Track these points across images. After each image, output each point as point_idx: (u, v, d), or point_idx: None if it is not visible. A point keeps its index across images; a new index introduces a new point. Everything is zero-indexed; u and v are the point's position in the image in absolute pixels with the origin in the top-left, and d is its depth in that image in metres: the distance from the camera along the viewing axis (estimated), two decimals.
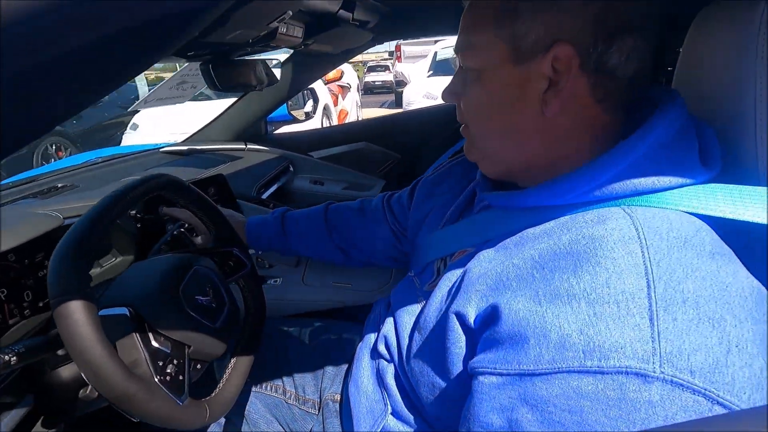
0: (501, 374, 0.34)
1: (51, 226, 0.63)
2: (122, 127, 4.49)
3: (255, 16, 0.49)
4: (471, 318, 0.39)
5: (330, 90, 5.16)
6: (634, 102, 0.43)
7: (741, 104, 0.42)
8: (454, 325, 0.41)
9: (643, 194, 0.38)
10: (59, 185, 1.14)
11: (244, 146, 1.58)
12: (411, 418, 0.49)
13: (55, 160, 4.46)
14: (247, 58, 0.83)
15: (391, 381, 0.53)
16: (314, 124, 4.05)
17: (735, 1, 0.44)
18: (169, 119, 3.56)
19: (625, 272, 0.32)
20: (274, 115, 1.75)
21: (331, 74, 5.37)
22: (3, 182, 1.38)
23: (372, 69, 14.66)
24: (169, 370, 0.52)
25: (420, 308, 0.53)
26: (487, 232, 0.48)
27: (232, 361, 0.66)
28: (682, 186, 0.38)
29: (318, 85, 4.62)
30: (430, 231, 0.63)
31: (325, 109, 4.57)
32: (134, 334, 0.51)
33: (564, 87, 0.39)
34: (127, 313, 0.53)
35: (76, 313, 0.43)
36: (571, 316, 0.32)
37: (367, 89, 14.00)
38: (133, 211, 0.82)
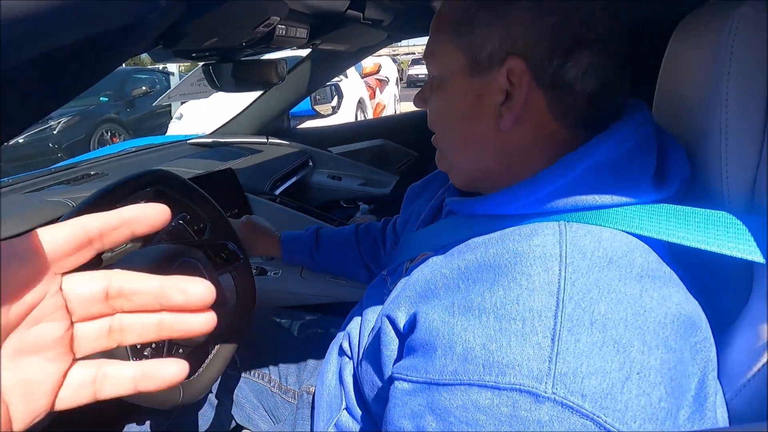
0: (412, 381, 0.35)
1: (57, 214, 0.70)
2: (170, 115, 4.74)
3: (231, 23, 0.52)
4: (401, 323, 0.40)
5: (367, 83, 5.19)
6: (602, 117, 0.42)
7: (709, 121, 0.40)
8: (387, 328, 0.42)
9: (582, 210, 0.37)
10: (92, 173, 1.24)
11: (265, 140, 1.64)
12: (360, 414, 0.51)
13: (109, 145, 4.79)
14: (251, 58, 0.86)
15: (348, 378, 0.55)
16: (348, 117, 4.10)
17: (712, 12, 0.42)
18: (210, 109, 3.72)
19: (538, 290, 0.32)
20: (298, 110, 1.80)
21: (369, 68, 5.40)
22: (53, 167, 1.52)
23: (417, 62, 14.56)
24: (146, 353, 0.56)
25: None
26: (444, 237, 0.49)
27: (214, 349, 0.70)
28: (624, 205, 0.37)
29: (354, 79, 4.66)
30: (408, 233, 0.64)
31: (360, 102, 4.60)
32: None
33: (517, 101, 0.39)
34: None
35: None
36: (477, 330, 0.32)
37: (411, 82, 13.93)
38: (143, 200, 0.88)
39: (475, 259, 0.37)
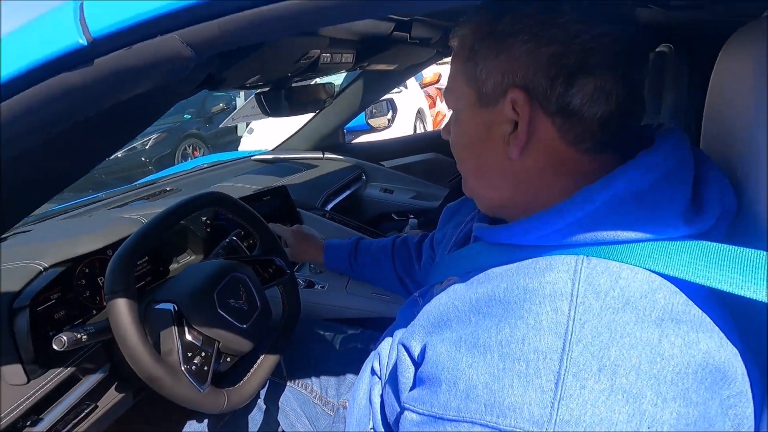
0: (419, 413, 0.35)
1: (130, 232, 0.79)
2: (237, 132, 5.12)
3: (270, 62, 0.56)
4: (415, 352, 0.41)
5: (427, 93, 5.20)
6: (623, 142, 0.40)
7: (759, 148, 0.36)
8: (403, 355, 0.43)
9: (604, 245, 0.35)
10: (168, 188, 1.38)
11: (321, 155, 1.71)
12: None
13: (190, 159, 5.27)
14: (299, 84, 0.91)
15: (376, 399, 0.56)
16: (406, 128, 4.14)
17: (762, 27, 0.38)
18: (276, 123, 3.95)
19: (545, 330, 0.31)
20: (353, 125, 1.86)
21: (429, 77, 5.41)
22: (140, 181, 1.72)
23: None
24: (196, 361, 0.62)
25: None
26: (469, 263, 0.49)
27: (260, 358, 0.74)
28: (649, 240, 0.34)
29: (414, 89, 4.70)
30: (442, 255, 0.65)
31: (419, 113, 4.62)
32: (173, 327, 0.62)
33: (521, 130, 0.39)
34: (172, 309, 0.64)
35: (119, 308, 0.54)
36: (482, 367, 0.32)
37: None
38: (204, 218, 0.97)
39: (487, 293, 0.37)
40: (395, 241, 0.91)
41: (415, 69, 1.42)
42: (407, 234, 1.02)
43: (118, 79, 0.30)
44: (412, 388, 0.41)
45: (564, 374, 0.29)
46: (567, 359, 0.30)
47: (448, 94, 0.47)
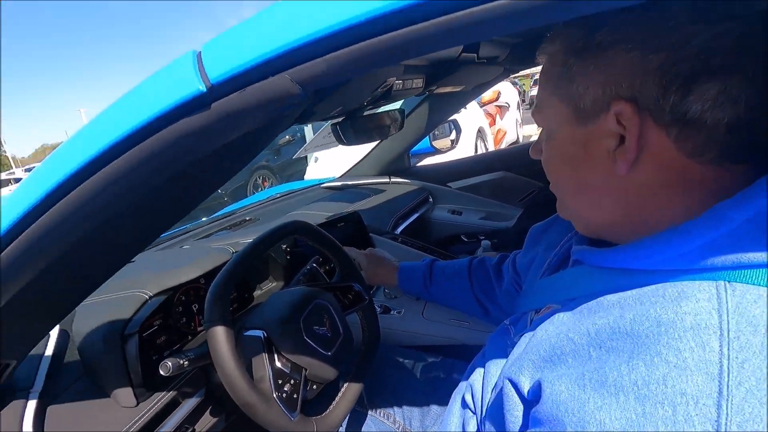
0: None
1: (220, 261, 0.84)
2: (306, 161, 5.36)
3: (353, 93, 0.58)
4: (524, 388, 0.38)
5: (486, 111, 5.14)
6: (758, 148, 0.35)
7: None
8: (509, 391, 0.39)
9: (745, 269, 0.31)
10: (247, 218, 1.46)
11: (388, 180, 1.73)
12: None
13: (261, 190, 5.59)
14: (371, 112, 0.93)
15: None
16: (467, 148, 4.09)
17: None
18: (339, 151, 4.10)
19: (692, 370, 0.27)
20: (418, 149, 1.87)
21: (487, 96, 5.34)
22: (218, 213, 1.84)
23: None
24: (286, 389, 0.63)
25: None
26: (572, 289, 0.45)
27: (344, 386, 0.74)
28: None
29: (473, 108, 4.66)
30: (532, 279, 0.61)
31: (480, 131, 4.56)
32: (264, 354, 0.64)
33: (630, 144, 0.36)
34: (262, 336, 0.66)
35: (218, 336, 0.57)
36: (615, 411, 0.29)
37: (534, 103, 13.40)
38: (284, 245, 1.01)
39: (608, 324, 0.33)
40: (472, 262, 0.88)
41: (482, 88, 1.40)
42: (482, 255, 0.99)
43: (232, 120, 0.32)
44: (523, 427, 0.38)
45: (725, 422, 0.25)
46: (728, 407, 0.25)
47: (539, 113, 0.45)
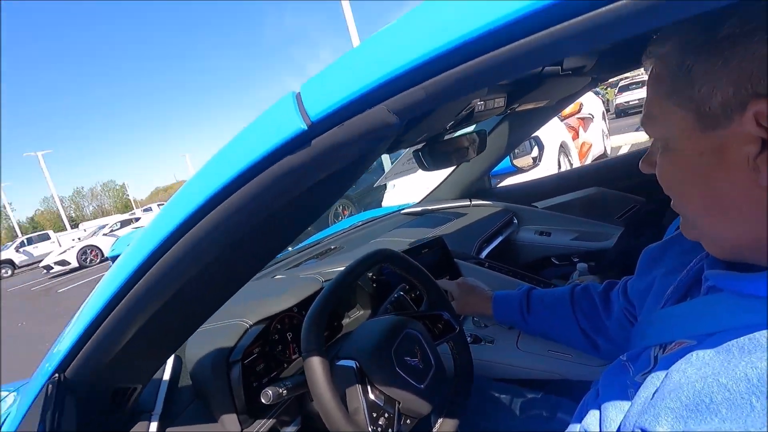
0: None
1: (312, 290, 0.87)
2: (384, 188, 5.48)
3: (439, 117, 0.57)
4: None
5: (568, 124, 4.86)
6: None
7: None
8: None
9: None
10: (332, 247, 1.51)
11: (468, 202, 1.69)
12: None
13: (341, 219, 5.81)
14: (452, 136, 0.92)
15: None
16: (549, 165, 3.88)
17: None
18: (416, 176, 4.13)
19: None
20: (498, 169, 1.81)
21: (568, 109, 5.07)
22: (303, 243, 1.93)
23: (624, 89, 13.06)
24: (381, 422, 0.61)
25: (629, 404, 0.45)
26: (711, 322, 0.39)
27: (439, 422, 0.71)
28: None
29: (553, 123, 4.44)
30: (651, 308, 0.54)
31: (563, 146, 4.32)
32: (357, 385, 0.63)
33: None
34: (354, 366, 0.66)
35: (315, 366, 0.58)
36: None
37: (620, 111, 12.53)
38: (370, 273, 1.01)
39: None
40: (574, 289, 0.80)
41: (567, 101, 1.32)
42: (578, 281, 0.90)
43: (331, 154, 0.32)
44: None
45: None
46: None
47: (650, 123, 0.40)
